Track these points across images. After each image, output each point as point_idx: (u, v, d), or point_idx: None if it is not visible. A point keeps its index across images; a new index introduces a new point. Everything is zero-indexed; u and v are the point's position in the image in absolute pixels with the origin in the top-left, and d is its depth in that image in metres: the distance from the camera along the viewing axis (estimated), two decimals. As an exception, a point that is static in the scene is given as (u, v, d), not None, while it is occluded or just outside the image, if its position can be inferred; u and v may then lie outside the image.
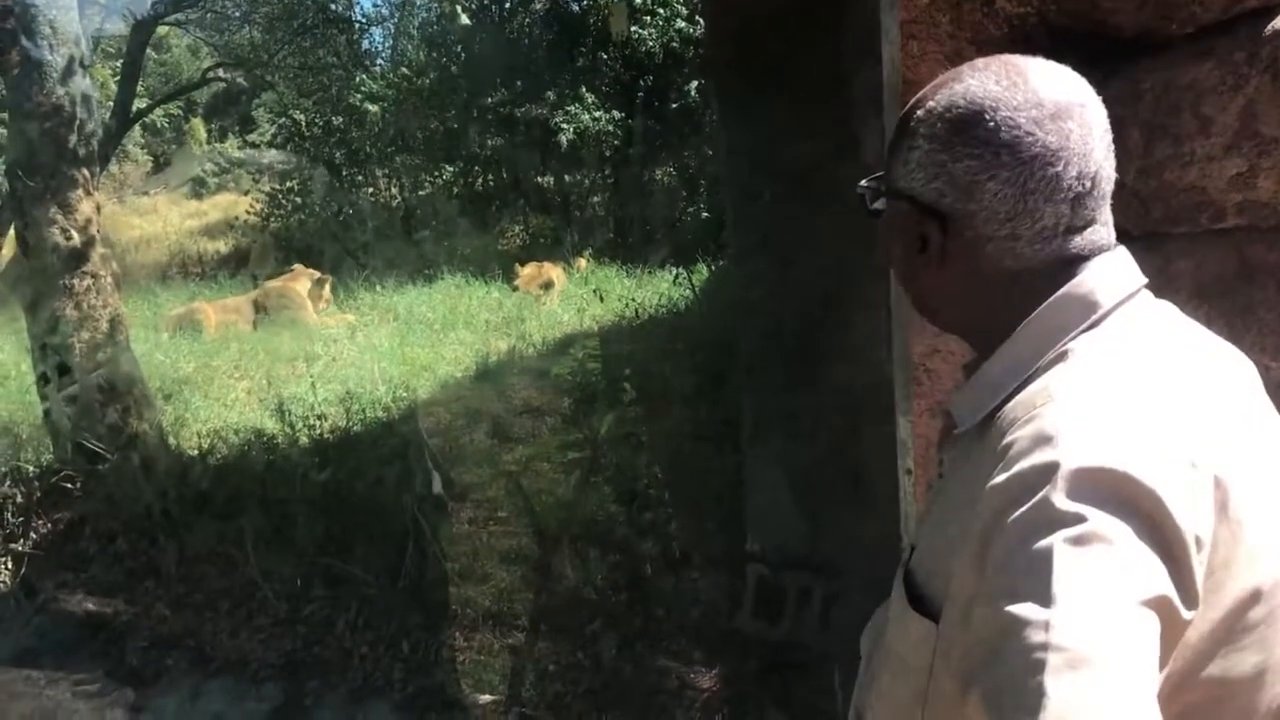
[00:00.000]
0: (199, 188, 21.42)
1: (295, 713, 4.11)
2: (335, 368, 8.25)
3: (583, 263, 12.15)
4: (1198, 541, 0.84)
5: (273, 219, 15.79)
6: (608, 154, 13.49)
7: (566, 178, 14.69)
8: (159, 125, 24.81)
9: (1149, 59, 1.63)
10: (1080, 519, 0.81)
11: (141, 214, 18.83)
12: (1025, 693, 0.77)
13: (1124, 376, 0.93)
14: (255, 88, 19.70)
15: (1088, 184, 0.99)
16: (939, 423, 1.97)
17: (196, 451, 6.13)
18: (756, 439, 2.88)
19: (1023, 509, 0.84)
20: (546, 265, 11.45)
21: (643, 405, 5.82)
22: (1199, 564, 0.84)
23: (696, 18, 12.35)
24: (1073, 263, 1.01)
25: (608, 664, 4.05)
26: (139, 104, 12.00)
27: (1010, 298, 1.01)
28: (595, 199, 15.01)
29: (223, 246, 16.19)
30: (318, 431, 6.07)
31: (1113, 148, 1.03)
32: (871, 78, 2.00)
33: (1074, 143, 0.98)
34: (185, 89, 19.79)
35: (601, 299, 9.35)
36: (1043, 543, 0.81)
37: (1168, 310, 1.05)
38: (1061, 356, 0.97)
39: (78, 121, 5.89)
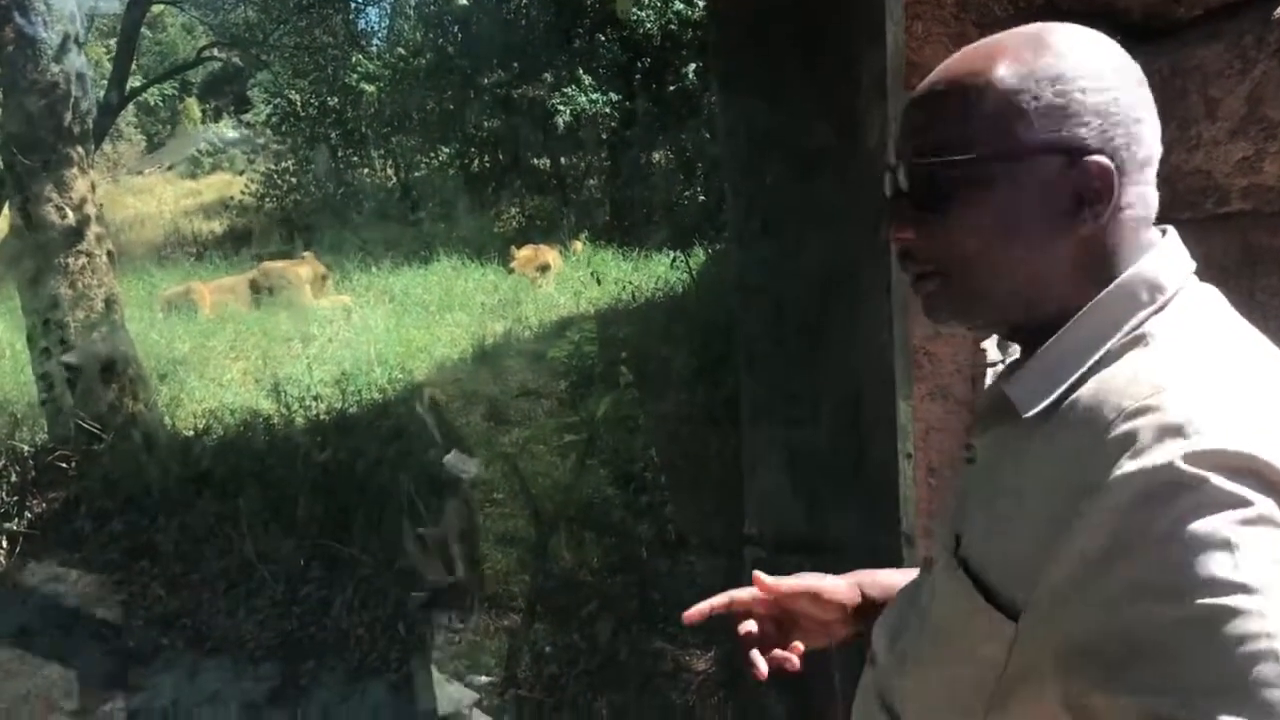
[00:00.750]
0: (194, 167, 21.35)
1: (292, 692, 4.12)
2: (331, 349, 8.25)
3: (579, 245, 12.13)
4: None
5: (268, 199, 15.74)
6: (605, 136, 13.45)
7: (563, 160, 14.65)
8: (154, 104, 24.74)
9: (1156, 42, 1.62)
10: (1245, 502, 0.76)
11: (136, 193, 18.76)
12: (1251, 687, 0.73)
13: (1226, 360, 0.88)
14: (250, 67, 19.63)
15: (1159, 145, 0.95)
16: (939, 406, 1.96)
17: (192, 431, 6.13)
18: (755, 422, 2.87)
19: (1174, 500, 0.78)
20: (543, 248, 11.43)
21: (640, 388, 5.82)
22: None
23: (695, 0, 12.31)
24: (1147, 226, 0.95)
25: (604, 646, 4.06)
26: (133, 83, 11.93)
27: (1107, 258, 0.93)
28: (592, 181, 14.98)
29: (218, 227, 16.14)
30: (314, 412, 6.07)
31: None
32: (875, 59, 1.98)
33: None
34: (180, 68, 19.74)
35: (599, 282, 9.34)
36: (1207, 528, 0.76)
37: (1214, 291, 0.99)
38: (1138, 340, 0.90)
39: (72, 99, 5.87)
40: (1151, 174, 0.94)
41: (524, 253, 11.16)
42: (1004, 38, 0.97)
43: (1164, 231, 0.98)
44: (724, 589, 1.33)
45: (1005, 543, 0.93)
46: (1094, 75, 0.92)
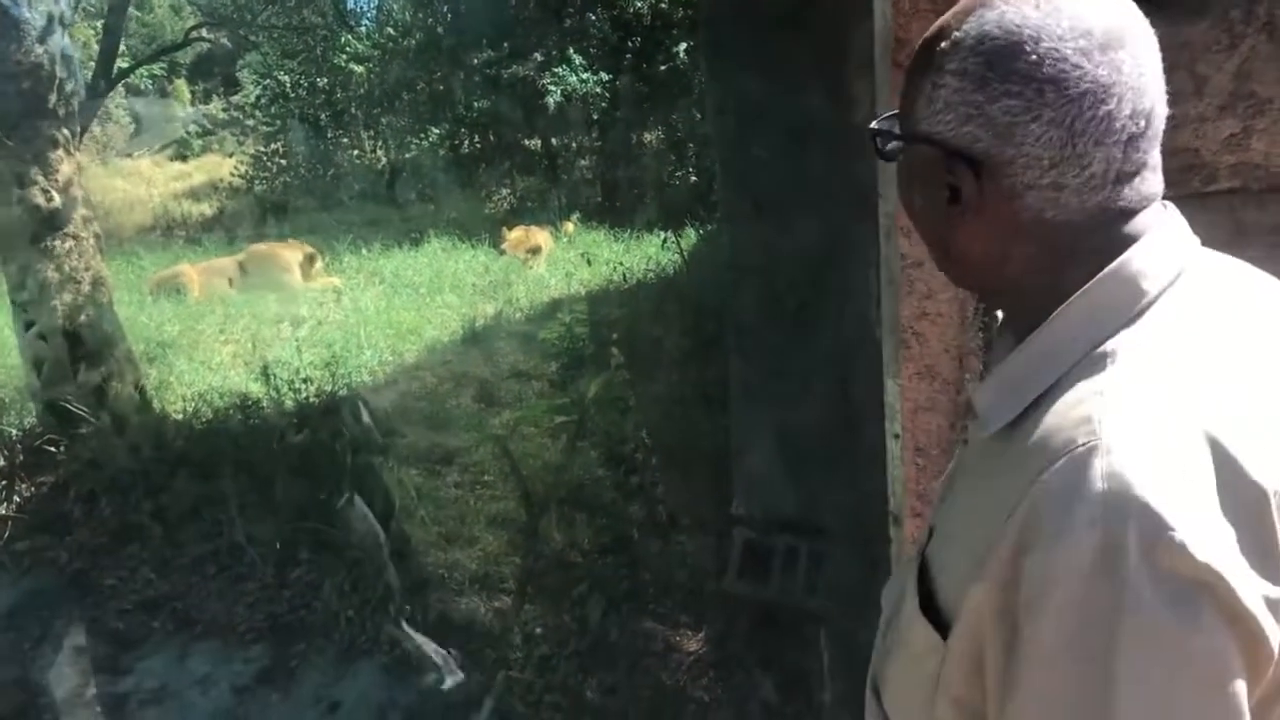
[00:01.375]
0: (183, 150, 21.23)
1: (281, 675, 4.11)
2: (321, 331, 8.23)
3: (570, 226, 12.09)
4: (1268, 601, 0.77)
5: (258, 182, 15.67)
6: (595, 116, 13.39)
7: (554, 140, 14.59)
8: (142, 86, 24.55)
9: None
10: (1140, 599, 0.74)
11: (125, 176, 18.64)
12: None
13: (1171, 407, 0.82)
14: (239, 48, 19.50)
15: (1141, 123, 0.89)
16: (927, 386, 1.96)
17: (181, 415, 6.11)
18: (745, 402, 2.86)
19: (1076, 573, 0.77)
20: (534, 229, 11.39)
21: (631, 369, 5.81)
22: (1272, 622, 0.77)
23: (686, -22, 12.23)
24: (1121, 217, 0.90)
25: (594, 626, 4.06)
26: (121, 64, 11.83)
27: (1049, 254, 0.91)
28: (583, 162, 14.92)
29: (207, 209, 16.05)
30: (303, 395, 6.05)
31: (1163, 79, 0.92)
32: (864, 34, 1.97)
33: (1127, 75, 0.87)
34: (168, 49, 19.59)
35: (589, 263, 9.31)
36: (1100, 620, 0.75)
37: (1219, 273, 0.95)
38: (1101, 360, 0.86)
39: (57, 81, 5.81)
40: (1076, 173, 0.88)
41: (515, 234, 11.12)
42: (958, 9, 0.93)
43: (1165, 206, 0.95)
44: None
45: (954, 558, 0.93)
46: (972, 73, 0.89)
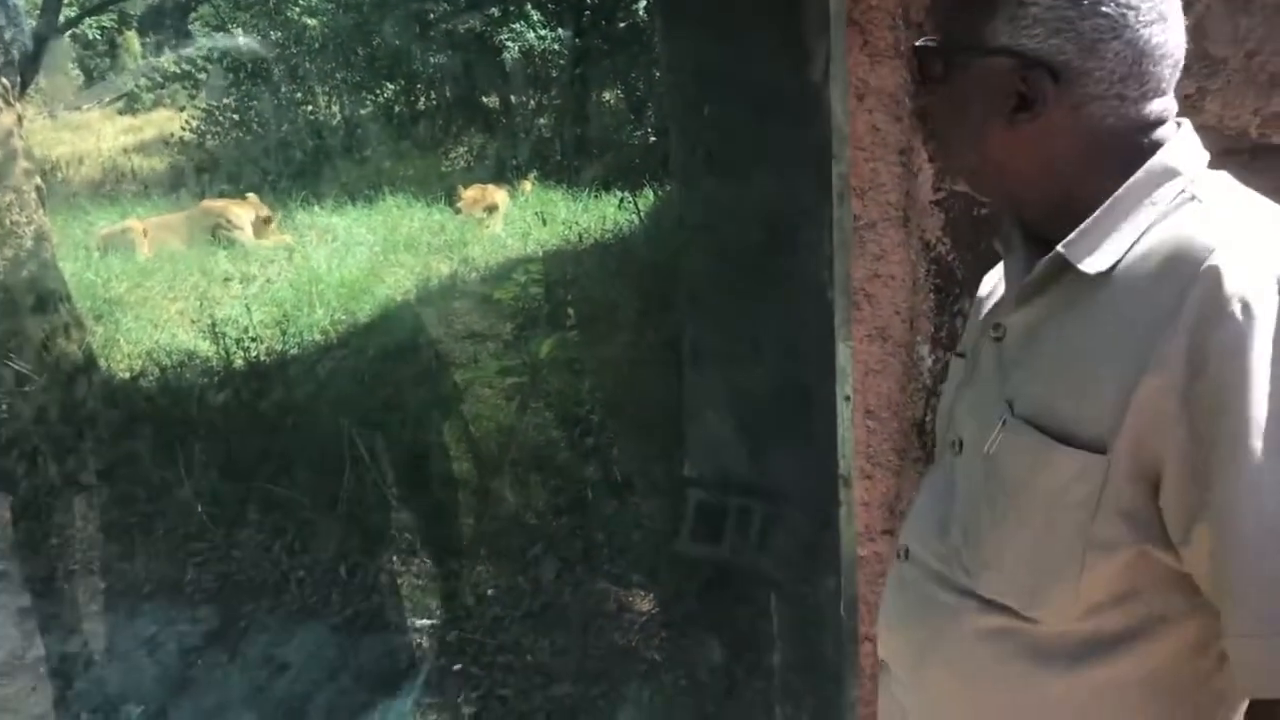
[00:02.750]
0: (133, 103, 20.75)
1: (231, 634, 4.08)
2: (272, 289, 8.09)
3: (527, 185, 11.96)
4: None
5: (209, 137, 15.37)
6: (553, 74, 13.24)
7: (511, 98, 14.42)
8: (91, 38, 23.95)
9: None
10: None
11: (73, 129, 18.21)
12: None
13: (1272, 214, 0.99)
14: (191, 0, 19.05)
15: (1180, 51, 1.06)
16: (878, 348, 1.95)
17: (128, 373, 6.00)
18: (697, 363, 2.85)
19: (1236, 318, 0.89)
20: (490, 188, 11.24)
21: (585, 330, 5.78)
22: None
23: (645, -66, 12.09)
24: (1155, 127, 1.06)
25: (547, 587, 4.06)
26: (68, 13, 11.52)
27: (1098, 156, 1.05)
28: (541, 120, 14.76)
29: (158, 164, 15.71)
30: (253, 354, 5.96)
31: None
32: (819, -7, 1.94)
33: (1174, 8, 1.05)
34: (117, -1, 19.09)
35: (544, 223, 9.22)
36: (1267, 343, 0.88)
37: (1227, 175, 1.09)
38: (1190, 199, 1.01)
39: (-3, 29, 5.64)
40: (1135, 88, 1.03)
41: (471, 192, 10.97)
42: None
43: (1179, 126, 1.08)
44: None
45: (1080, 390, 1.01)
46: None
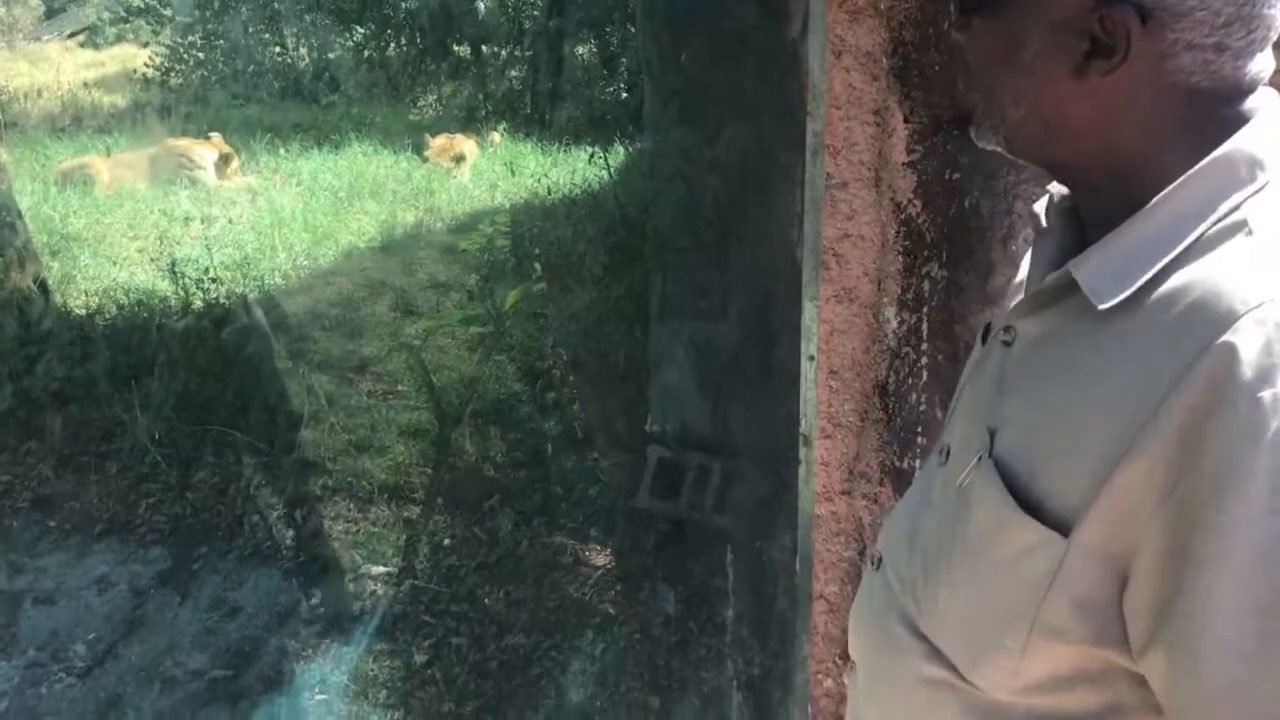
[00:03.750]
0: (95, 37, 20.30)
1: (182, 575, 4.05)
2: (233, 231, 7.99)
3: (497, 136, 11.85)
4: None
5: (174, 74, 15.08)
6: (527, 25, 13.09)
7: (484, 48, 14.25)
8: (52, -34, 23.38)
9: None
10: None
11: (33, 61, 17.79)
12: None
13: None
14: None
15: None
16: (844, 309, 1.95)
17: (84, 310, 5.91)
18: (663, 317, 2.84)
19: (1260, 414, 0.72)
20: (459, 137, 11.13)
21: (551, 283, 5.75)
22: None
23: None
24: (1247, 94, 0.85)
25: (504, 539, 4.06)
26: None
27: (1173, 122, 0.85)
28: (513, 72, 14.61)
29: (120, 100, 15.40)
30: (212, 295, 5.89)
31: None
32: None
33: None
34: (80, -72, 18.63)
35: (513, 173, 9.14)
36: None
37: None
38: (1237, 227, 0.81)
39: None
40: (1241, 35, 0.81)
41: (439, 141, 10.86)
42: None
43: (1267, 97, 0.88)
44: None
45: (1059, 452, 0.86)
46: None
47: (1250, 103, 0.85)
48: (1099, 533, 0.82)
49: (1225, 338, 0.74)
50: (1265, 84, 0.86)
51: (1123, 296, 0.83)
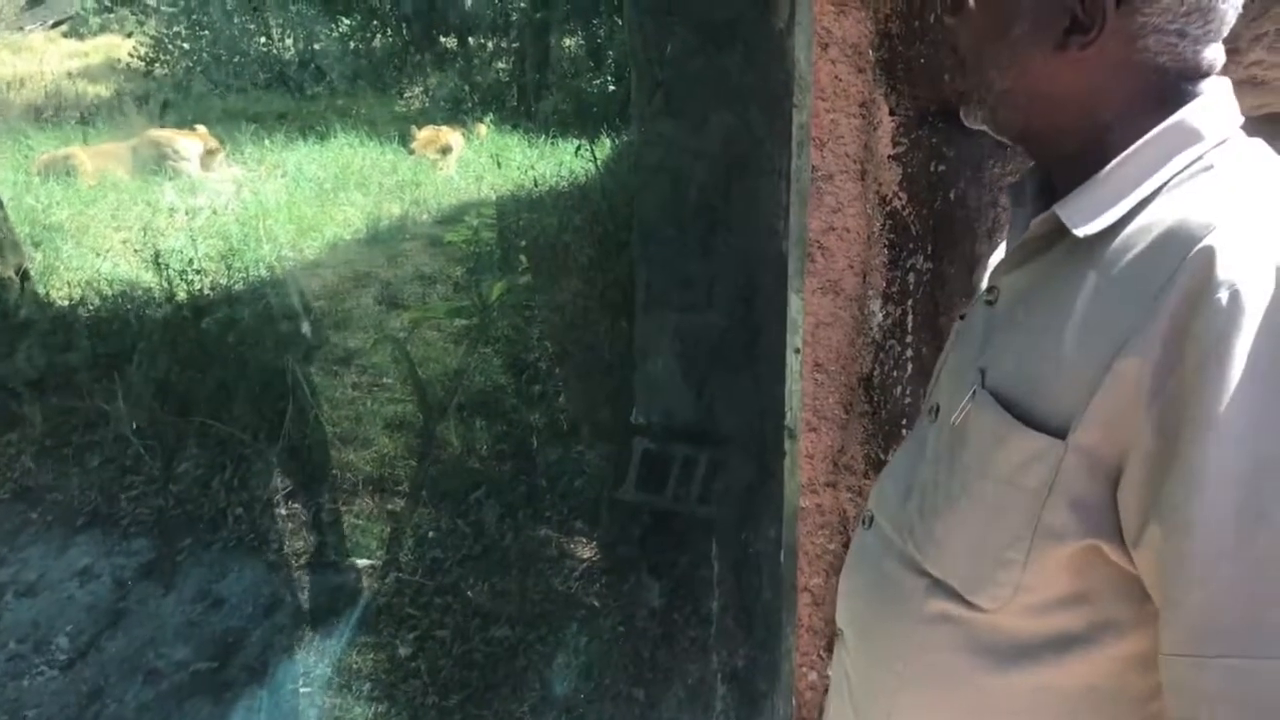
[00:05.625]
0: (79, 27, 20.15)
1: (165, 567, 4.03)
2: (218, 223, 7.95)
3: (483, 129, 11.82)
4: None
5: (158, 65, 14.99)
6: (513, 18, 13.05)
7: (470, 40, 14.20)
8: (35, -45, 23.19)
9: None
10: None
11: (15, 51, 17.66)
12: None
13: None
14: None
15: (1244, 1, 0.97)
16: (830, 301, 1.94)
17: (67, 302, 5.87)
18: (648, 308, 2.84)
19: (1220, 313, 0.81)
20: (445, 129, 11.10)
21: (537, 275, 5.73)
22: None
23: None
24: (1203, 77, 0.97)
25: (488, 531, 4.05)
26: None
27: (1141, 97, 0.96)
28: (500, 64, 14.57)
29: (104, 91, 15.29)
30: (197, 287, 5.86)
31: None
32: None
33: None
34: (63, -84, 18.48)
35: (500, 165, 9.12)
36: (1247, 345, 0.80)
37: (1262, 142, 1.01)
38: (1205, 169, 0.93)
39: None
40: (1199, 24, 0.94)
41: (425, 133, 10.83)
42: None
43: (1218, 83, 0.99)
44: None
45: (1051, 367, 0.94)
46: None
47: (1204, 85, 0.97)
48: (1094, 434, 0.89)
49: (1204, 242, 0.84)
50: (1218, 72, 0.98)
51: (1104, 225, 0.94)
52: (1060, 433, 0.91)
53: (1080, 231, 0.94)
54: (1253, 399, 0.79)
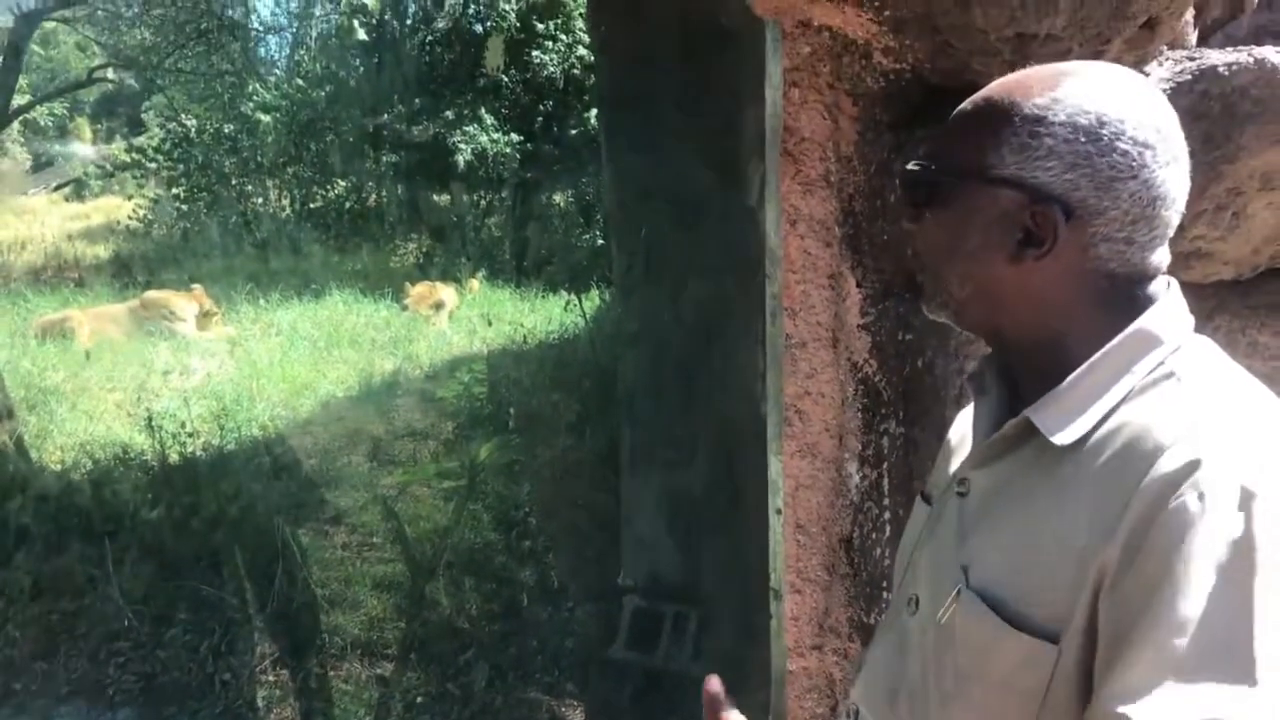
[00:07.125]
0: (81, 190, 20.65)
1: (150, 740, 3.96)
2: (212, 383, 8.02)
3: (475, 284, 12.04)
4: None
5: (156, 226, 15.31)
6: (505, 176, 13.43)
7: (463, 198, 14.58)
8: (42, 123, 23.92)
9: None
10: (1245, 535, 0.83)
11: (18, 214, 18.06)
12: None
13: (1245, 399, 0.95)
14: (145, 90, 19.15)
15: (1184, 198, 1.01)
16: (808, 464, 1.99)
17: (60, 466, 5.89)
18: (633, 469, 2.87)
19: (1180, 520, 0.85)
20: (438, 285, 11.29)
21: (526, 432, 5.78)
22: None
23: (598, 46, 12.39)
24: (1152, 279, 1.02)
25: (478, 695, 3.99)
26: (20, 99, 11.53)
27: (1095, 303, 1.00)
28: (491, 221, 14.92)
29: (103, 251, 15.59)
30: (189, 449, 5.89)
31: None
32: (756, 119, 2.02)
33: (1183, 155, 1.00)
34: (71, 87, 19.18)
35: (490, 323, 9.26)
36: (1204, 552, 0.83)
37: (1210, 342, 1.06)
38: (1167, 376, 0.97)
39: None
40: (1145, 232, 0.99)
41: (419, 289, 11.02)
42: (1034, 70, 1.04)
43: (1168, 284, 1.04)
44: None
45: (1038, 568, 0.96)
46: (1084, 127, 0.97)
47: (1153, 287, 1.02)
48: (1084, 635, 0.91)
49: (1166, 455, 0.88)
50: (1163, 273, 1.03)
51: (1079, 434, 0.97)
52: (1053, 637, 0.93)
53: (1058, 440, 0.97)
54: (1195, 601, 0.83)
